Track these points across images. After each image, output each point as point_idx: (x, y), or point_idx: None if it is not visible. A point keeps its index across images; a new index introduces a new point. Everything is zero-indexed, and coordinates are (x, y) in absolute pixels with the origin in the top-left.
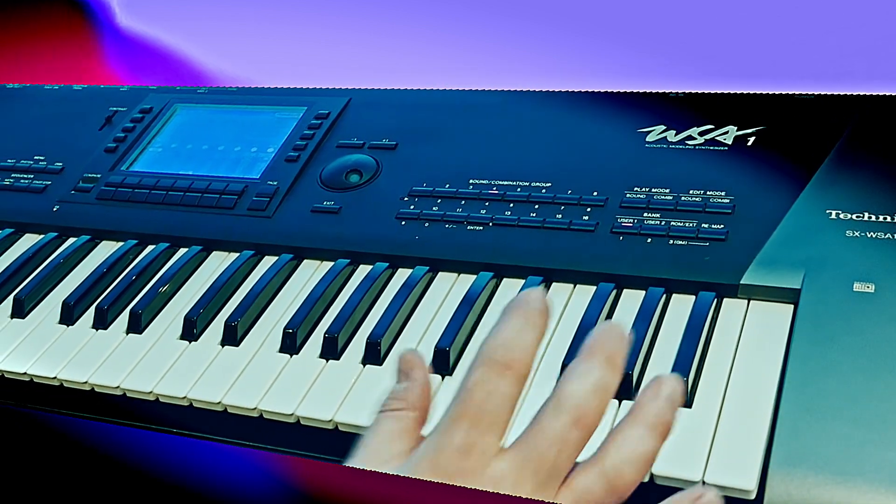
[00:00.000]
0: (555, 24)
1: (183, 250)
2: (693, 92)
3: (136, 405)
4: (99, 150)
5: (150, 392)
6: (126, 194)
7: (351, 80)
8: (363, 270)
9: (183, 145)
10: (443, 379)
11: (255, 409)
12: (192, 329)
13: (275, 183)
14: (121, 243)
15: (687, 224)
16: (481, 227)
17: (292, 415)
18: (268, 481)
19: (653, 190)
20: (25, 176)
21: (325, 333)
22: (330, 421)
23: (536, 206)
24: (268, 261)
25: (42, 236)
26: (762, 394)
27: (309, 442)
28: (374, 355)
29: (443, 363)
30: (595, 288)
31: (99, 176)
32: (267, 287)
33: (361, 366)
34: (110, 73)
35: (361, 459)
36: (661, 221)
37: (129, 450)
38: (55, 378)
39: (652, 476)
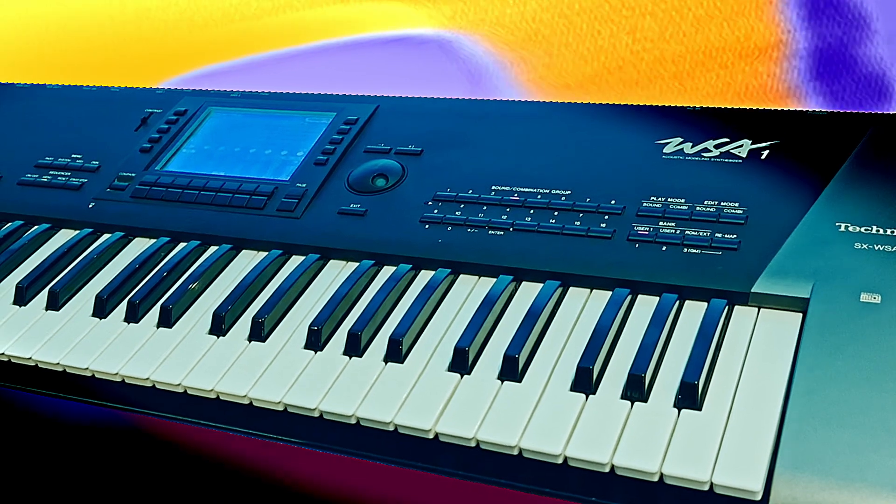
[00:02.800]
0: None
1: (213, 248)
2: (710, 107)
3: (165, 397)
4: (134, 150)
5: (179, 384)
6: (159, 193)
7: (379, 87)
8: (387, 271)
9: (216, 147)
10: (461, 377)
11: (279, 403)
12: (220, 324)
13: (304, 185)
14: (153, 240)
15: (701, 233)
16: (502, 233)
17: (316, 409)
18: (290, 473)
19: (669, 200)
20: (63, 173)
21: (348, 331)
22: (352, 416)
23: (556, 213)
24: (295, 260)
25: (77, 232)
26: (770, 399)
27: (331, 436)
28: (395, 353)
29: (462, 362)
30: (611, 293)
31: (134, 175)
32: (294, 285)
33: (383, 363)
34: None
35: None
36: (676, 230)
37: (158, 439)
38: (87, 369)
39: (662, 476)
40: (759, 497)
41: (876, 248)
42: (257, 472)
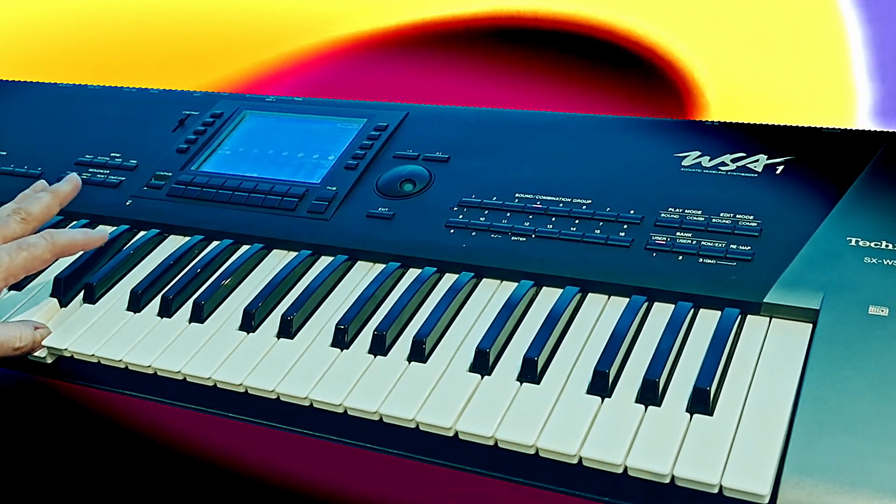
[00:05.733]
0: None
1: (245, 247)
2: (727, 122)
3: (196, 389)
4: (171, 150)
5: (209, 378)
6: (194, 192)
7: (409, 96)
8: (412, 274)
9: (250, 149)
10: (482, 378)
11: (305, 398)
12: (250, 321)
13: (334, 188)
14: (187, 238)
15: (716, 244)
16: (524, 239)
17: (340, 405)
18: (315, 466)
19: (686, 211)
20: (102, 171)
21: (374, 331)
22: (375, 412)
23: (577, 221)
24: (324, 260)
25: (114, 228)
26: (779, 406)
27: (355, 431)
28: (419, 353)
29: (483, 363)
30: (628, 300)
31: (170, 174)
32: (322, 285)
33: (407, 362)
34: None
35: None
36: (692, 241)
37: (188, 429)
38: (121, 361)
39: (673, 478)
40: (766, 500)
41: (885, 262)
42: (270, 478)
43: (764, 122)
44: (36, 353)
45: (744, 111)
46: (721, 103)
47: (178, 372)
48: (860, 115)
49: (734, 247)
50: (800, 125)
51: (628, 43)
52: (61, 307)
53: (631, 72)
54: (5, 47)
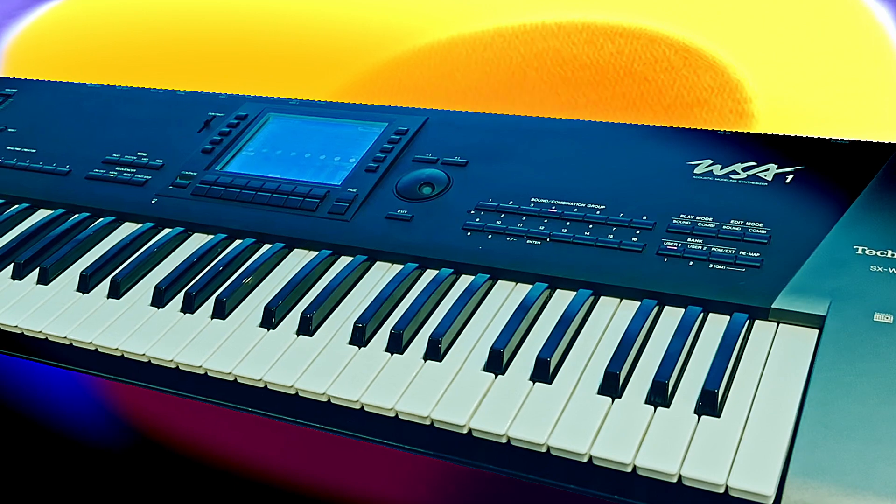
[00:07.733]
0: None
1: (267, 246)
2: (739, 132)
3: (216, 384)
4: (196, 150)
5: (230, 373)
6: (218, 192)
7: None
8: (429, 275)
9: (273, 151)
10: (496, 377)
11: (323, 394)
12: (271, 318)
13: (354, 190)
14: (211, 236)
15: (726, 251)
16: (539, 242)
17: (357, 401)
18: (331, 462)
19: (697, 218)
20: (129, 170)
21: (391, 330)
22: (391, 409)
23: (590, 226)
24: (343, 260)
25: (140, 225)
26: (785, 409)
27: (371, 427)
28: (434, 352)
29: (497, 363)
30: (639, 303)
31: (195, 174)
32: (341, 284)
33: (423, 361)
34: None
35: None
36: (702, 247)
37: (208, 423)
38: (144, 355)
39: (680, 478)
40: (770, 501)
41: (890, 271)
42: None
43: (775, 133)
44: None
45: (791, 123)
46: (769, 116)
47: (200, 366)
48: None
49: (743, 253)
50: (809, 136)
51: (682, 53)
52: (86, 302)
53: (685, 82)
54: (39, 48)
